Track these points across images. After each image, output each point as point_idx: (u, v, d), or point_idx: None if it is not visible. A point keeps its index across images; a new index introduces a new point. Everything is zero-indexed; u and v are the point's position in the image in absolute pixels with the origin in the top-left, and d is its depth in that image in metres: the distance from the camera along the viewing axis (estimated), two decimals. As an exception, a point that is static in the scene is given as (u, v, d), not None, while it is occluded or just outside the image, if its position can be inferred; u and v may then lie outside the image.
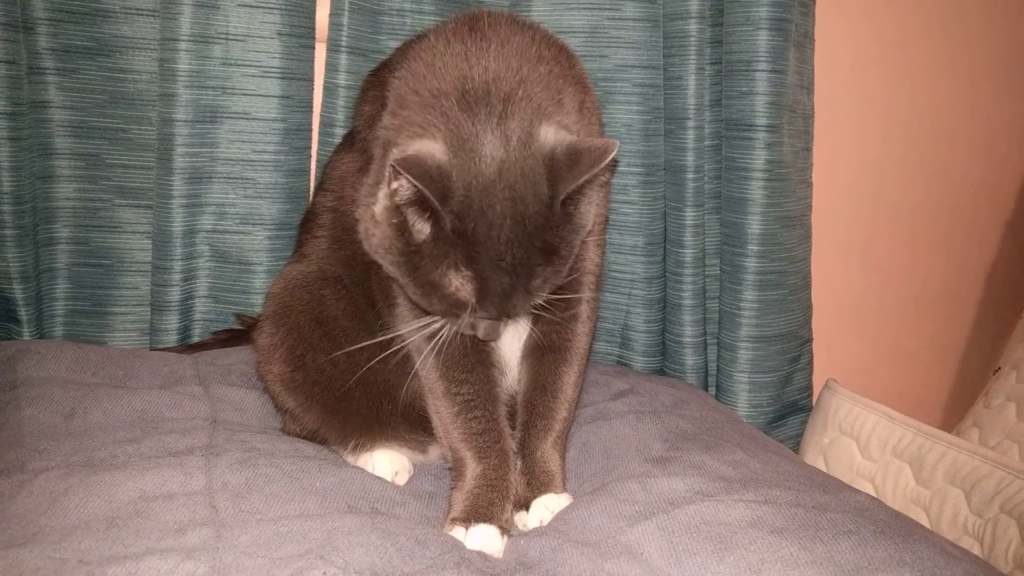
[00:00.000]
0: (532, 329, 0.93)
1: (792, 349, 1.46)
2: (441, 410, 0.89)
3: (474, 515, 0.84)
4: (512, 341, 0.93)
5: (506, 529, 0.86)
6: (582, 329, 0.96)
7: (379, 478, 0.93)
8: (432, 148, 0.76)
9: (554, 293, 0.82)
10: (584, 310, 0.96)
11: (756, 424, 1.43)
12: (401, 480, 0.96)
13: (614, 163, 0.82)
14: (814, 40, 1.44)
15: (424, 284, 0.77)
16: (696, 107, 1.35)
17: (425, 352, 0.87)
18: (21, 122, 1.20)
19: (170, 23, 1.20)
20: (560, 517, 0.86)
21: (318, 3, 1.29)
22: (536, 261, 0.76)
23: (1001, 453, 1.16)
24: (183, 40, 1.21)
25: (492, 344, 0.90)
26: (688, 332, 1.43)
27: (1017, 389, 1.30)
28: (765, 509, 0.81)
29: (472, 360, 0.89)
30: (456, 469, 0.88)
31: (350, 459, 0.99)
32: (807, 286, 1.49)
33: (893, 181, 1.67)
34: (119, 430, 0.94)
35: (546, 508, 0.89)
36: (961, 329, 1.76)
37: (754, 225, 1.37)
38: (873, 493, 1.26)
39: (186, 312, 1.31)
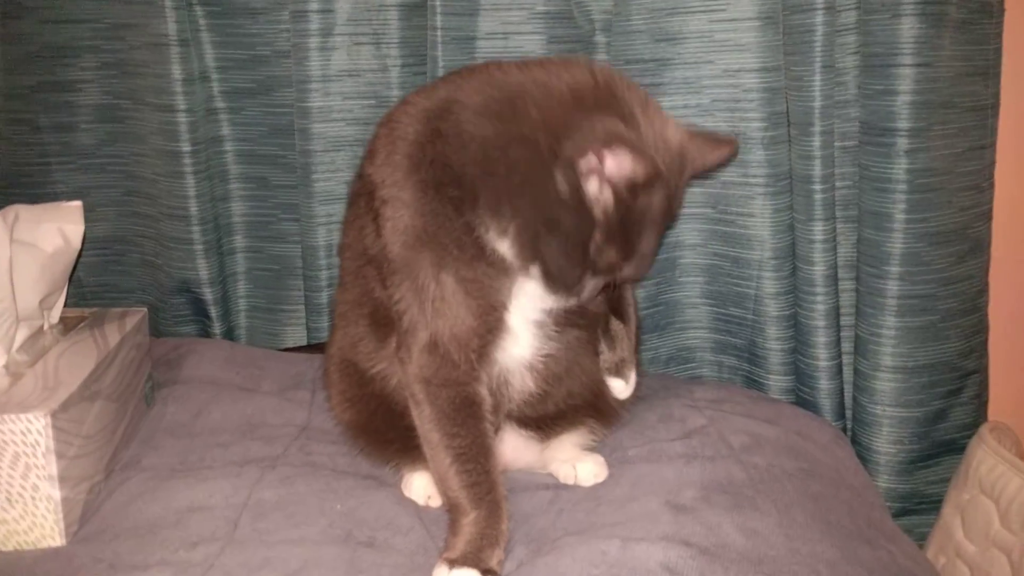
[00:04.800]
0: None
1: (947, 382, 1.27)
2: (437, 459, 0.94)
3: (461, 559, 0.89)
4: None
5: (496, 573, 0.90)
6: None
7: (406, 501, 1.02)
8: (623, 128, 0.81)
9: None
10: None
11: (896, 462, 1.29)
12: (435, 503, 1.04)
13: None
14: (1003, 9, 1.20)
15: (583, 251, 0.84)
16: (823, 109, 1.20)
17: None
18: (200, 157, 1.45)
19: (299, 66, 1.36)
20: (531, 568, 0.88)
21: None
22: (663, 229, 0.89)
23: None
24: (313, 81, 1.36)
25: (485, 395, 0.95)
26: (822, 355, 1.31)
27: None
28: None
29: (464, 414, 0.93)
30: (452, 512, 0.94)
31: (400, 479, 1.09)
32: (974, 310, 1.27)
33: None
34: (224, 432, 1.14)
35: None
36: None
37: (893, 243, 1.21)
38: (1008, 570, 1.08)
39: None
